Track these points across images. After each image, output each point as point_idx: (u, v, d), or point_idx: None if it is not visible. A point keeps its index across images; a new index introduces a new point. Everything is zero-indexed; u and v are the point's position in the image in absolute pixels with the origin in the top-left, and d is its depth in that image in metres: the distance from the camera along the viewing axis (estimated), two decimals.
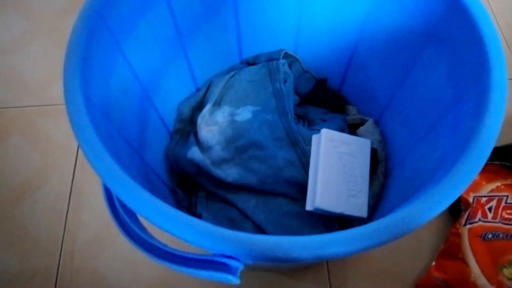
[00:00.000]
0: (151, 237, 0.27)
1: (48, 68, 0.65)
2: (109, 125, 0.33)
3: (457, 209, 0.51)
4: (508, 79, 0.70)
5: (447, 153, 0.32)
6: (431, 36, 0.38)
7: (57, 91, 0.63)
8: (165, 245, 0.26)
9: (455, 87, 0.35)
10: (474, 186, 0.51)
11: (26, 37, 0.67)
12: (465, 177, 0.26)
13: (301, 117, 0.52)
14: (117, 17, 0.35)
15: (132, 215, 0.28)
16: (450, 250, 0.48)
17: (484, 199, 0.50)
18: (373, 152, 0.47)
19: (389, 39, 0.44)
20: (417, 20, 0.40)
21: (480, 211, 0.49)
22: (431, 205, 0.25)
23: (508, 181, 0.50)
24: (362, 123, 0.52)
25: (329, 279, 0.49)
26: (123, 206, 0.28)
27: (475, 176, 0.26)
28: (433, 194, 0.26)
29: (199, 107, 0.52)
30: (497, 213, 0.48)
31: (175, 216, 0.24)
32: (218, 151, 0.48)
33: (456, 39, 0.35)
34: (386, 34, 0.44)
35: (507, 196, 0.49)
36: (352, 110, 0.54)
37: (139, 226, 0.28)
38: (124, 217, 0.27)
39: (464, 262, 0.46)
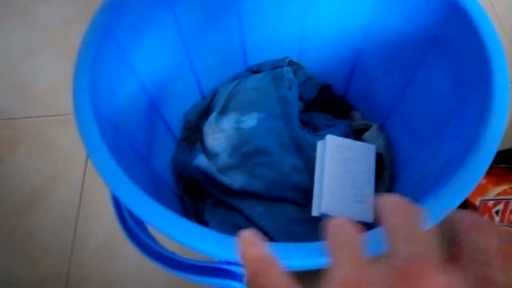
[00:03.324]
0: (159, 245, 0.27)
1: (55, 79, 0.65)
2: (118, 135, 0.33)
3: None
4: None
5: (452, 157, 0.32)
6: (433, 40, 0.39)
7: (64, 101, 0.63)
8: (172, 253, 0.27)
9: (458, 92, 0.35)
10: (481, 190, 0.51)
11: (33, 48, 0.68)
12: (469, 181, 0.26)
13: (306, 123, 0.52)
14: (125, 29, 0.36)
15: (140, 224, 0.28)
16: None
17: (491, 202, 0.49)
18: (378, 157, 0.47)
19: (392, 44, 0.44)
20: (419, 25, 0.40)
21: (487, 215, 0.48)
22: (436, 210, 0.26)
23: None
24: (366, 128, 0.52)
25: None
26: (132, 215, 0.28)
27: (479, 180, 0.26)
28: (437, 198, 0.26)
29: (205, 115, 0.53)
30: (504, 216, 0.48)
31: (182, 224, 0.25)
32: (224, 158, 0.48)
33: (458, 44, 0.35)
34: (389, 39, 0.44)
35: None
36: (356, 116, 0.54)
37: (147, 234, 0.28)
38: (132, 226, 0.28)
39: None
